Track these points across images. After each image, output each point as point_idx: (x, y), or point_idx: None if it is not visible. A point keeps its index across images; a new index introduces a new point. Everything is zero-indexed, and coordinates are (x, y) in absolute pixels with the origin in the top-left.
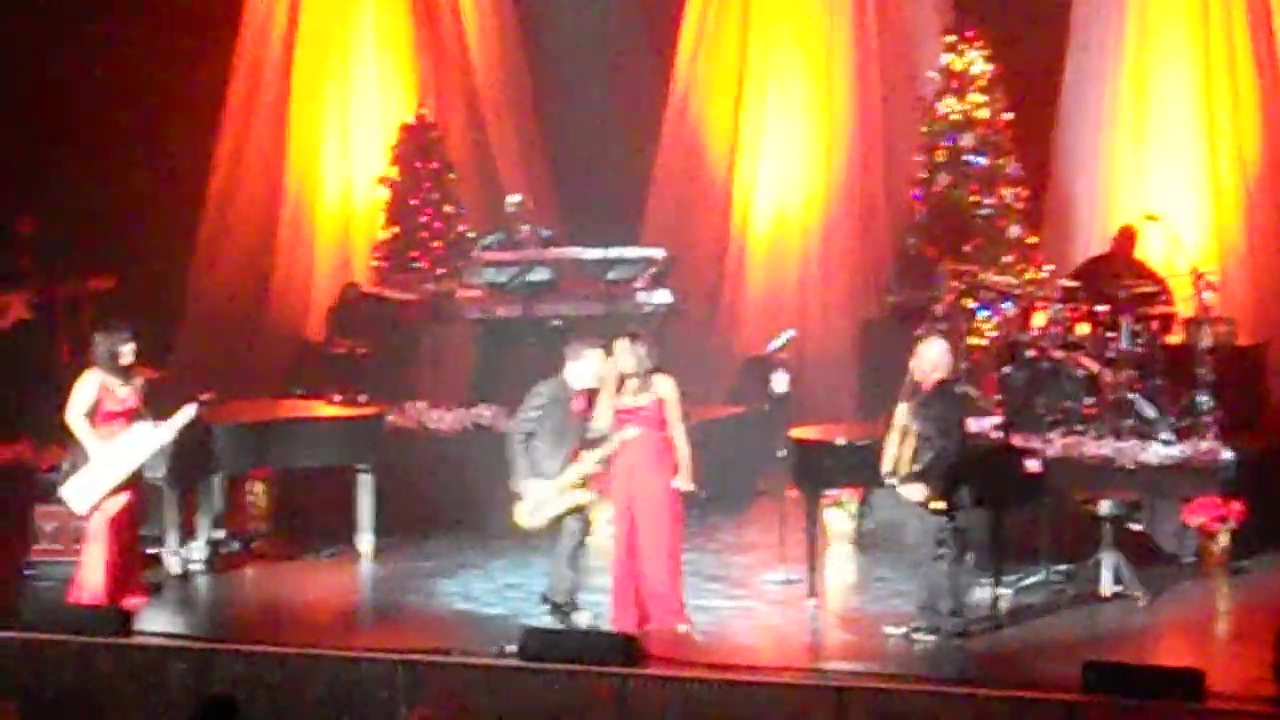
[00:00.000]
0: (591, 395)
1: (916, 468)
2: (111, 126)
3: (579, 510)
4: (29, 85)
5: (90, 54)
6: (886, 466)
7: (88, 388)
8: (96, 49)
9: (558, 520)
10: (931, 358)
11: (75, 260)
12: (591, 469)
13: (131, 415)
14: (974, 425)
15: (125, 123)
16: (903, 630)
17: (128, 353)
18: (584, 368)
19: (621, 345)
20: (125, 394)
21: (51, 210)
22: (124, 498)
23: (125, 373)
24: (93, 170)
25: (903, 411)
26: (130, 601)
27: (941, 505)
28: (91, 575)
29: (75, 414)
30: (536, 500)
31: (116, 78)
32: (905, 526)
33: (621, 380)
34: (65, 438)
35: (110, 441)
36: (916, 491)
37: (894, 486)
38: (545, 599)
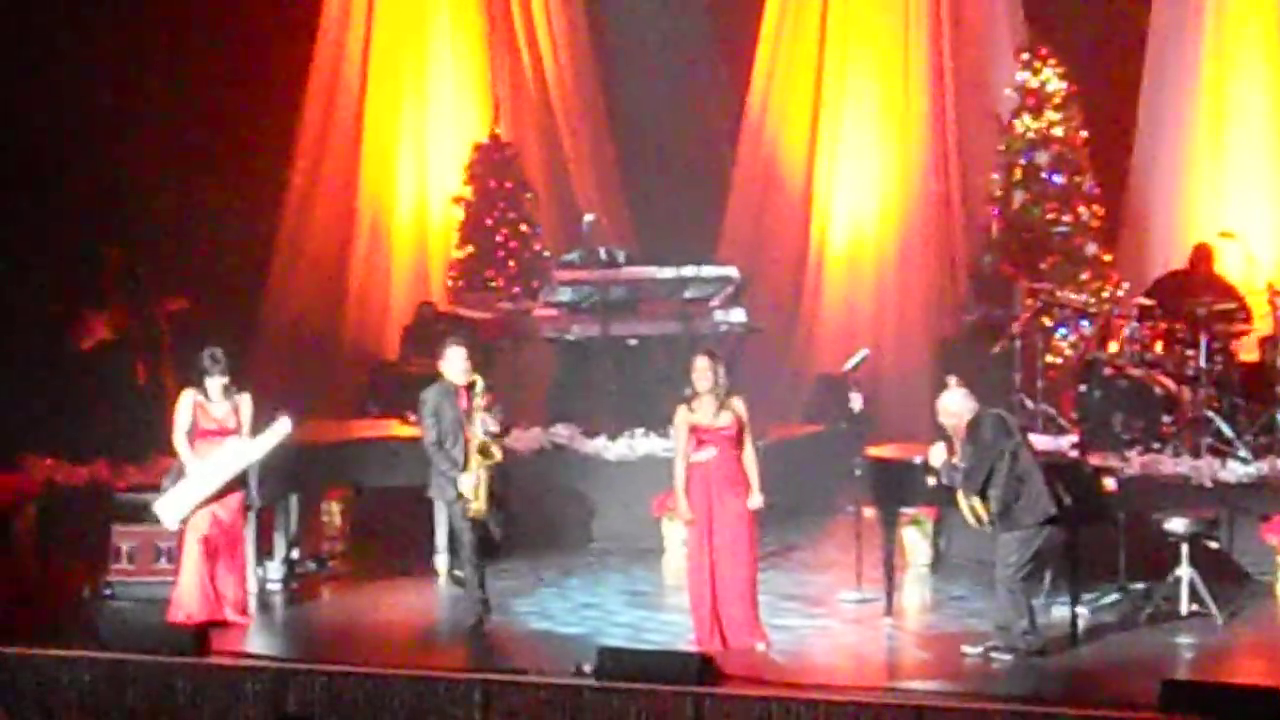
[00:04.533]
0: (467, 389)
1: (996, 508)
2: (188, 147)
3: (492, 463)
4: (108, 109)
5: (168, 76)
6: (973, 523)
7: (184, 406)
8: (174, 72)
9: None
10: (952, 409)
11: (153, 281)
12: (480, 429)
13: (228, 433)
14: (1051, 443)
15: (201, 142)
16: (980, 649)
17: (215, 377)
18: (453, 365)
19: (700, 364)
20: (221, 412)
21: (131, 232)
22: (219, 515)
23: (223, 391)
24: (170, 191)
25: (940, 472)
26: (232, 619)
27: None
28: (183, 593)
29: (176, 433)
30: (469, 489)
31: (193, 98)
32: (981, 545)
33: (697, 398)
34: (172, 456)
35: (204, 459)
36: (1020, 540)
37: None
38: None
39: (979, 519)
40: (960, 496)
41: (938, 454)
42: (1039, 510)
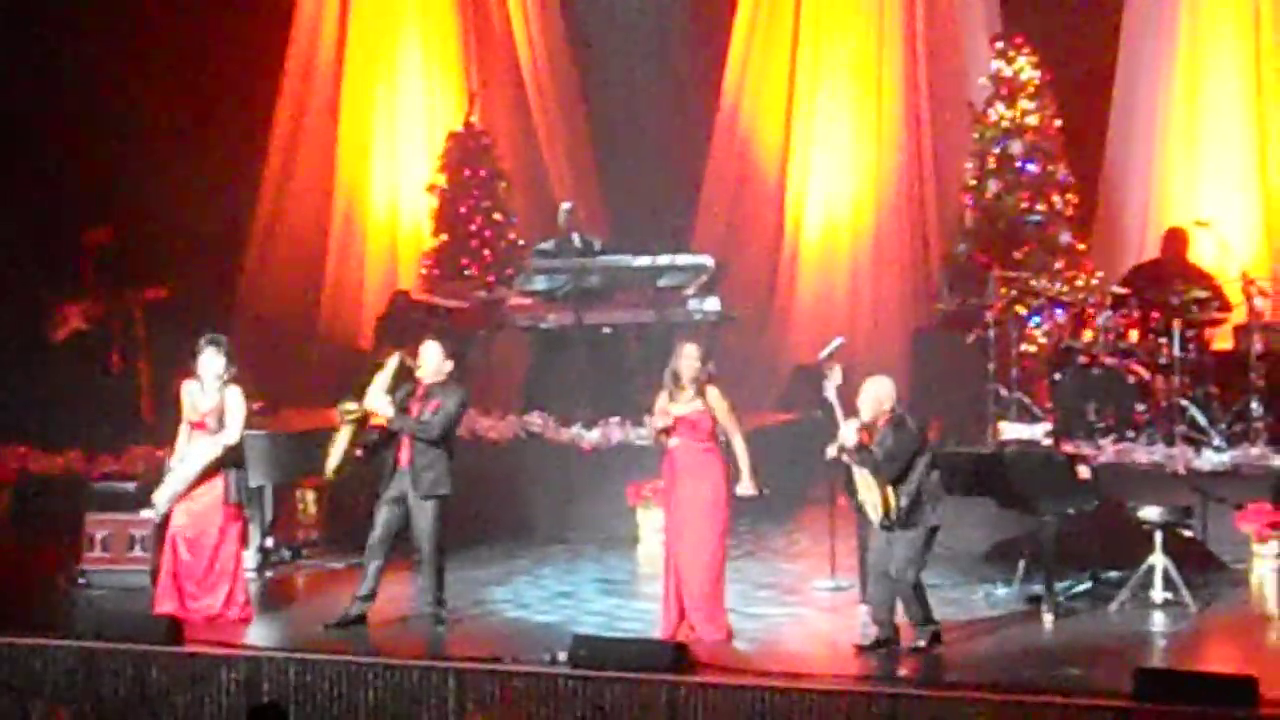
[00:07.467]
0: None
1: (905, 503)
2: (163, 137)
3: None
4: (83, 98)
5: (143, 64)
6: (880, 519)
7: (181, 397)
8: (150, 59)
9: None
10: (876, 394)
11: (130, 271)
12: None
13: (203, 429)
14: (1025, 431)
15: (176, 133)
16: (914, 644)
17: (202, 363)
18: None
19: (687, 350)
20: (207, 406)
21: (106, 221)
22: (192, 510)
23: (215, 383)
24: (143, 180)
25: (854, 452)
26: (224, 615)
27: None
28: (159, 588)
29: (181, 423)
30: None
31: (168, 86)
32: (956, 533)
33: (676, 384)
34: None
35: (181, 452)
36: (916, 541)
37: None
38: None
39: (886, 510)
40: (864, 484)
41: (850, 433)
42: (938, 515)
